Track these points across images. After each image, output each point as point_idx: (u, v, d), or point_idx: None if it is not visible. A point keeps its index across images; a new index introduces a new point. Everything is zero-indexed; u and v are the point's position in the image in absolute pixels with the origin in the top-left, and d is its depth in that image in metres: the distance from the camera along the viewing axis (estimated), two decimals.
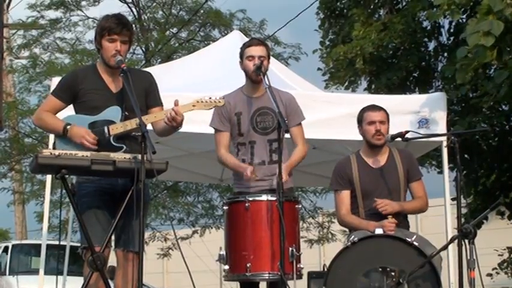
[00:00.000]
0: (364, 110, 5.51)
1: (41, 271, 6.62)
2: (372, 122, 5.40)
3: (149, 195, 4.75)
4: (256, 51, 5.21)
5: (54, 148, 4.47)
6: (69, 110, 4.75)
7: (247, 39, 6.04)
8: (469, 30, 6.61)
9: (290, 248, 4.72)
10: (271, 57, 5.63)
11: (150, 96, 4.71)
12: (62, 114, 4.71)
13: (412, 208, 5.46)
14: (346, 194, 5.42)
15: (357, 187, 5.39)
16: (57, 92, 4.72)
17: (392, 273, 4.74)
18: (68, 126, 4.48)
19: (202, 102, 4.65)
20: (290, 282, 4.74)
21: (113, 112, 4.54)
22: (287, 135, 5.10)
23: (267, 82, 4.97)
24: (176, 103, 4.48)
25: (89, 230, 4.40)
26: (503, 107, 9.59)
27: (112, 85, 4.64)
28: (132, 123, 4.45)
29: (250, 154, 5.24)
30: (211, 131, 5.46)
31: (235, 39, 7.83)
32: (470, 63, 6.87)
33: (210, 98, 4.70)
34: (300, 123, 5.37)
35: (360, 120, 5.50)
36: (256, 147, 5.25)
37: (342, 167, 5.50)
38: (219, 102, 4.74)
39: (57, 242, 5.72)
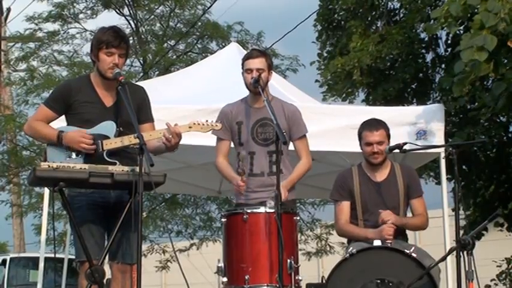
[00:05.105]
0: (363, 127, 5.48)
1: (39, 284, 6.60)
2: (369, 143, 5.39)
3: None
4: (254, 63, 5.20)
5: (45, 160, 4.42)
6: (61, 121, 4.71)
7: (244, 51, 6.05)
8: (463, 45, 6.61)
9: (288, 260, 4.69)
10: None
11: (142, 112, 4.67)
12: (54, 125, 4.65)
13: (412, 224, 5.47)
14: (346, 205, 5.43)
15: (357, 200, 5.39)
16: (49, 102, 4.68)
17: (391, 285, 4.73)
18: (62, 133, 4.44)
19: (198, 124, 4.65)
20: None
21: (107, 127, 4.50)
22: (291, 147, 5.09)
23: (265, 96, 4.98)
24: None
25: (81, 244, 4.38)
26: (501, 118, 9.59)
27: (106, 99, 4.61)
28: (130, 139, 4.40)
29: (250, 165, 5.23)
30: (209, 143, 5.45)
31: (232, 51, 7.85)
32: (467, 76, 6.86)
33: (207, 121, 4.70)
34: (303, 136, 5.35)
35: (360, 136, 5.49)
36: (255, 158, 5.25)
37: (343, 178, 5.50)
38: (216, 126, 4.75)
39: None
